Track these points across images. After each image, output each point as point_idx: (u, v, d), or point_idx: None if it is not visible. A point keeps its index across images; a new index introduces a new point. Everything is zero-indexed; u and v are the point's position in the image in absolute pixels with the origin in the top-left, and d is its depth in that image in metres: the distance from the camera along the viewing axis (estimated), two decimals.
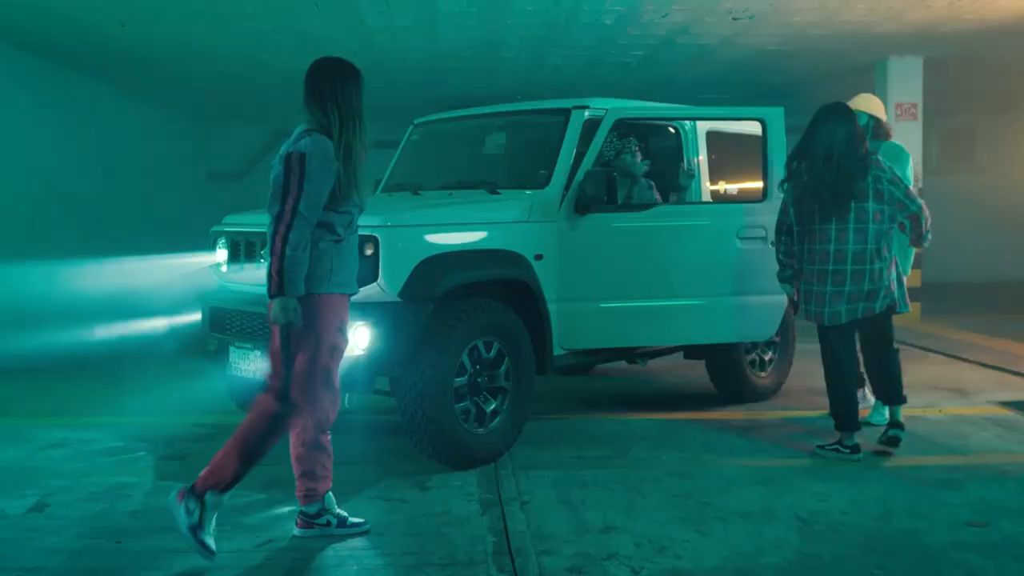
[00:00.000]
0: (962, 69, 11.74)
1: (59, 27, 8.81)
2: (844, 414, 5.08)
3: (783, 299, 5.94)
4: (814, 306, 5.03)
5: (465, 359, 4.80)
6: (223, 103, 13.73)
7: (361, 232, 4.64)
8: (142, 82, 11.77)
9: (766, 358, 6.62)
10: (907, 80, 11.14)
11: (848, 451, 5.03)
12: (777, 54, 10.55)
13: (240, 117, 15.18)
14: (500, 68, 11.16)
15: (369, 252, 4.56)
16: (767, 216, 5.76)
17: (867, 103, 5.80)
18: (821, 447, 5.13)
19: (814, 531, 3.95)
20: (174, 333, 6.30)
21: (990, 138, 16.47)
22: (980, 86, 13.25)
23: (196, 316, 5.51)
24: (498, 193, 5.39)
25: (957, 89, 13.11)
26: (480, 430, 4.89)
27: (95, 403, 6.55)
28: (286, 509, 4.24)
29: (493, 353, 4.94)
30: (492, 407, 4.95)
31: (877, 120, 5.74)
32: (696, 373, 7.13)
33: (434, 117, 6.50)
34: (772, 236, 5.76)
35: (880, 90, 11.17)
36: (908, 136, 10.00)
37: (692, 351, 6.40)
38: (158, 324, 6.40)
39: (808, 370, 7.11)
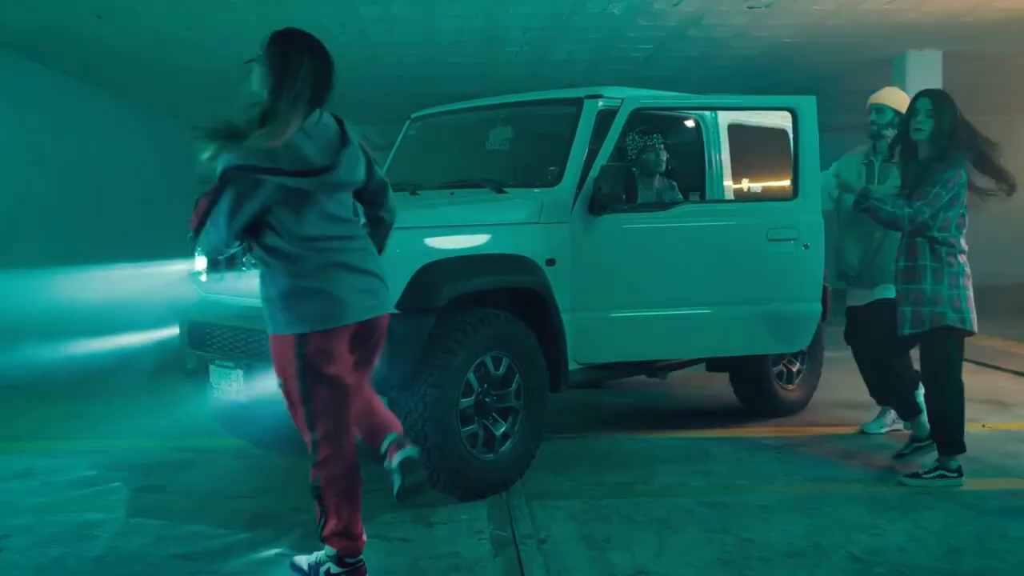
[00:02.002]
0: (981, 65, 11.27)
1: (29, 20, 8.28)
2: (959, 436, 4.59)
3: (817, 307, 5.45)
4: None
5: (471, 377, 4.31)
6: (212, 103, 13.22)
7: None
8: (123, 80, 11.21)
9: (793, 369, 6.14)
10: (926, 75, 10.61)
11: (955, 474, 4.57)
12: (792, 47, 10.07)
13: None
14: (501, 63, 10.68)
15: None
16: (799, 215, 5.28)
17: (892, 97, 5.36)
18: (915, 475, 4.61)
19: (874, 575, 3.45)
20: (153, 349, 5.80)
21: (1004, 138, 15.98)
22: (997, 84, 12.78)
23: (175, 331, 5.02)
24: (504, 192, 4.89)
25: (972, 87, 12.63)
26: (489, 456, 4.39)
27: (68, 426, 6.04)
28: (273, 551, 3.75)
29: (502, 370, 4.44)
30: (502, 430, 4.46)
31: (902, 116, 5.24)
32: (716, 385, 6.68)
33: (433, 110, 5.99)
34: (804, 237, 5.29)
35: (898, 85, 10.67)
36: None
37: (715, 363, 5.92)
38: (136, 339, 5.90)
39: (835, 382, 6.65)
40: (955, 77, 10.73)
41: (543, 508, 4.23)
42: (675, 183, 5.63)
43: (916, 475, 4.59)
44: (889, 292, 4.94)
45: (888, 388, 5.02)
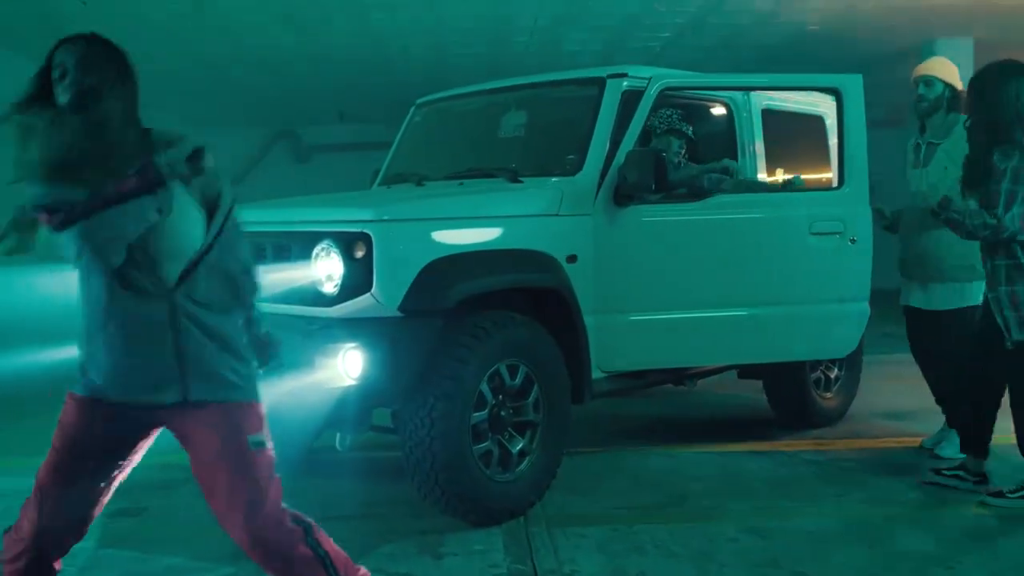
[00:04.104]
0: (1016, 54, 10.76)
1: (9, 6, 7.85)
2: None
3: (865, 307, 4.95)
4: None
5: (485, 388, 3.82)
6: (211, 99, 12.73)
7: (350, 229, 3.69)
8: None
9: (831, 376, 5.63)
10: (956, 64, 10.15)
11: (976, 479, 4.20)
12: (817, 35, 9.61)
13: (235, 116, 14.17)
14: (510, 54, 10.24)
15: (360, 254, 3.59)
16: (844, 207, 4.79)
17: (941, 67, 4.82)
18: (1013, 491, 4.09)
19: None
20: None
21: None
22: None
23: None
24: (520, 181, 4.41)
25: None
26: (505, 476, 3.91)
27: (43, 440, 5.54)
28: None
29: (519, 379, 3.95)
30: (519, 447, 3.97)
31: (954, 90, 4.76)
32: (744, 391, 6.22)
33: (440, 95, 5.51)
34: (851, 230, 4.81)
35: None
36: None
37: (748, 369, 5.43)
38: None
39: (873, 388, 6.17)
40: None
41: (566, 536, 3.74)
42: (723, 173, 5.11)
43: (1012, 491, 4.09)
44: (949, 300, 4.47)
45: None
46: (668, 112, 4.95)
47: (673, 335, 4.49)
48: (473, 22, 8.91)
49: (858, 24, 9.25)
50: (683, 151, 5.05)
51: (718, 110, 5.25)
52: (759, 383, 5.64)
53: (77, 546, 3.71)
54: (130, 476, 4.62)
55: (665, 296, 4.46)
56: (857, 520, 3.94)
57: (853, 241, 4.81)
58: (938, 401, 4.92)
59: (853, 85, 4.81)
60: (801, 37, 9.66)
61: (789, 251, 4.68)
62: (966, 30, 9.75)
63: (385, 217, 3.73)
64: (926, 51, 10.26)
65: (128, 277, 2.23)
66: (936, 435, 4.98)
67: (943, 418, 4.94)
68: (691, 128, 5.02)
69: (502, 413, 3.91)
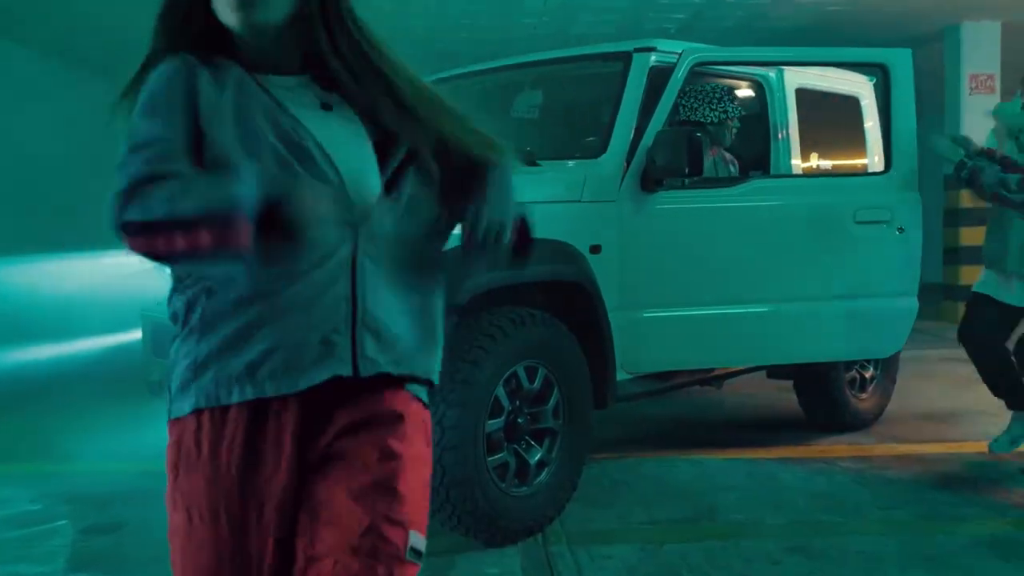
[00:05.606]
0: None
1: None
2: None
3: (913, 302, 4.57)
4: None
5: (501, 392, 3.44)
6: None
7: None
8: (106, 60, 10.35)
9: (867, 376, 5.26)
10: (983, 48, 9.78)
11: None
12: (838, 16, 9.20)
13: None
14: (517, 38, 9.83)
15: None
16: (891, 193, 4.40)
17: None
18: None
19: None
20: (113, 354, 4.94)
21: None
22: None
23: (138, 334, 4.18)
24: (538, 164, 4.02)
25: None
26: (522, 490, 3.52)
27: (16, 446, 5.16)
28: None
29: (538, 383, 3.57)
30: (538, 457, 3.59)
31: None
32: (770, 391, 5.86)
33: (447, 74, 5.13)
34: (899, 219, 4.42)
35: (952, 60, 9.82)
36: (984, 111, 8.70)
37: (778, 369, 5.05)
38: (93, 343, 5.04)
39: (907, 388, 5.79)
40: (1015, 51, 9.87)
41: (591, 557, 3.36)
42: (733, 157, 4.73)
43: None
44: None
45: None
46: (723, 89, 4.52)
47: (705, 333, 4.11)
48: (478, 4, 8.51)
49: (881, 5, 8.85)
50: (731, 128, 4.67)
51: (749, 90, 4.86)
52: (786, 382, 5.28)
53: (43, 568, 3.38)
54: (108, 486, 4.29)
55: (697, 290, 4.08)
56: (911, 537, 3.56)
57: (901, 231, 4.42)
58: None
59: (902, 61, 4.43)
60: (821, 18, 9.26)
61: (832, 241, 4.30)
62: (993, 13, 9.36)
63: None
64: (951, 34, 9.91)
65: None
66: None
67: (984, 419, 4.55)
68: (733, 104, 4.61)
69: (519, 420, 3.53)
